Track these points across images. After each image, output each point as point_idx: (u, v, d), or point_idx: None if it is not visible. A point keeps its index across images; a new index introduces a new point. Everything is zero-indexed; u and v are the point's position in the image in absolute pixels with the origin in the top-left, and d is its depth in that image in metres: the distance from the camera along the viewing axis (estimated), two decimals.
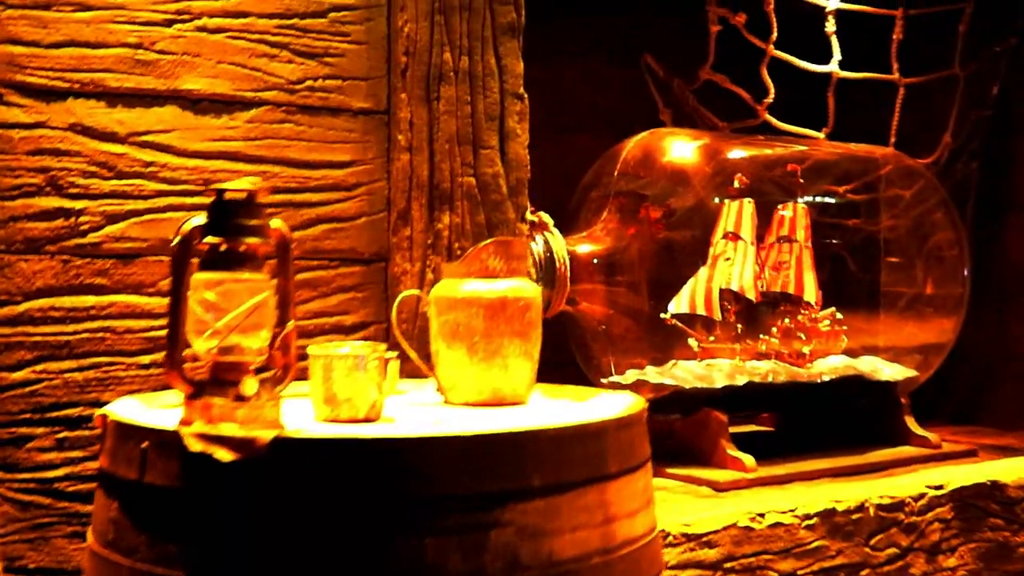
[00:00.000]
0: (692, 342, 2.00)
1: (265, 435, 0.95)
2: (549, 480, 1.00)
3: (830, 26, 2.19)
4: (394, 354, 1.15)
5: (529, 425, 1.03)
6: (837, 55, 2.20)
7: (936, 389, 2.41)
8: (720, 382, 1.87)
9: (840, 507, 1.65)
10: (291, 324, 1.05)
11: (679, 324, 1.99)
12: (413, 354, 1.31)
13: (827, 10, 2.19)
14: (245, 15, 1.39)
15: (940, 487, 1.79)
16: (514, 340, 1.25)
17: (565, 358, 1.99)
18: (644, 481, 1.08)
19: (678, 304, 1.99)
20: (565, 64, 2.39)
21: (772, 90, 2.19)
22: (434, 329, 1.27)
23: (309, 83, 1.42)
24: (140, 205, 1.34)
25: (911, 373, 2.08)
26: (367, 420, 1.14)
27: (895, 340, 2.17)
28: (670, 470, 1.84)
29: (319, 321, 1.41)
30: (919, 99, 2.32)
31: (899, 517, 1.71)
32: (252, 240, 1.04)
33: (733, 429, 2.02)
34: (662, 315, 1.97)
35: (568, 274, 1.80)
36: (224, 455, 0.95)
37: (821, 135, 2.23)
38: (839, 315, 2.14)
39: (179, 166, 1.37)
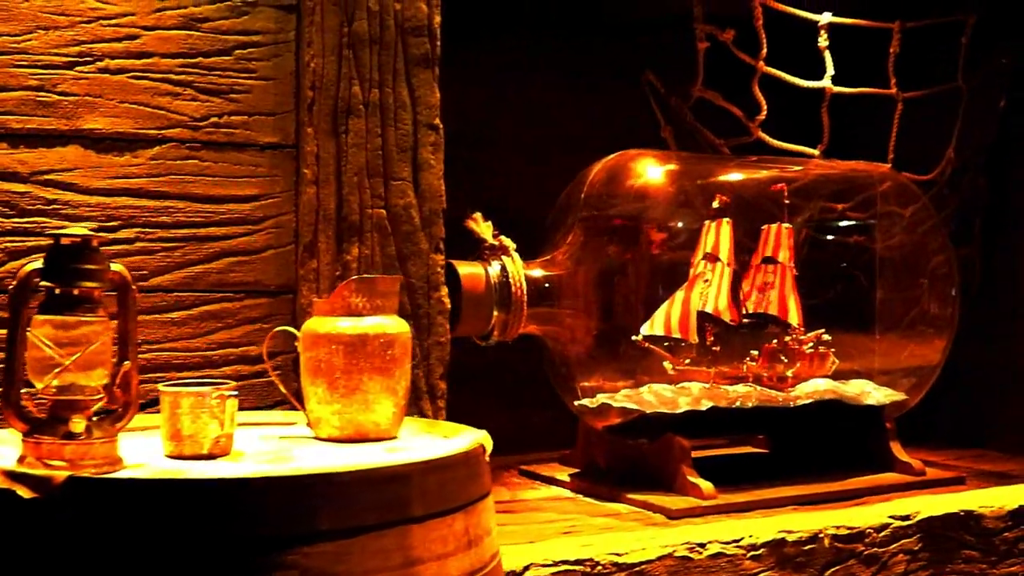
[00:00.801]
0: (667, 365, 1.96)
1: (60, 474, 0.98)
2: (339, 523, 0.99)
3: (823, 41, 2.13)
4: (234, 392, 1.16)
5: (324, 467, 1.04)
6: (830, 70, 2.15)
7: (943, 410, 2.33)
8: (684, 407, 1.83)
9: (791, 537, 1.64)
10: (128, 364, 1.08)
11: (652, 347, 1.95)
12: (283, 389, 1.32)
13: (820, 24, 2.13)
14: (148, 55, 1.42)
15: (907, 517, 1.77)
16: (374, 377, 1.26)
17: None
18: (465, 523, 1.08)
19: (652, 326, 1.96)
20: (570, 83, 2.42)
21: (764, 107, 2.15)
22: (302, 365, 1.29)
23: (214, 120, 1.44)
24: (43, 242, 1.37)
25: (900, 397, 2.03)
26: (211, 456, 1.16)
27: (884, 362, 2.12)
28: (630, 495, 1.85)
29: (224, 352, 1.43)
30: (924, 113, 2.25)
31: (858, 548, 1.67)
32: (88, 284, 1.07)
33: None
34: (634, 338, 1.92)
35: (524, 297, 1.78)
36: (24, 492, 0.97)
37: (816, 152, 2.18)
38: (827, 336, 2.08)
39: (82, 203, 1.40)
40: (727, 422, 1.92)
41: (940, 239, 2.09)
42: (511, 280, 1.81)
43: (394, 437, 1.31)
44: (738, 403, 1.90)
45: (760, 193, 2.11)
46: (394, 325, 1.30)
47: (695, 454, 1.92)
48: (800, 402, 1.95)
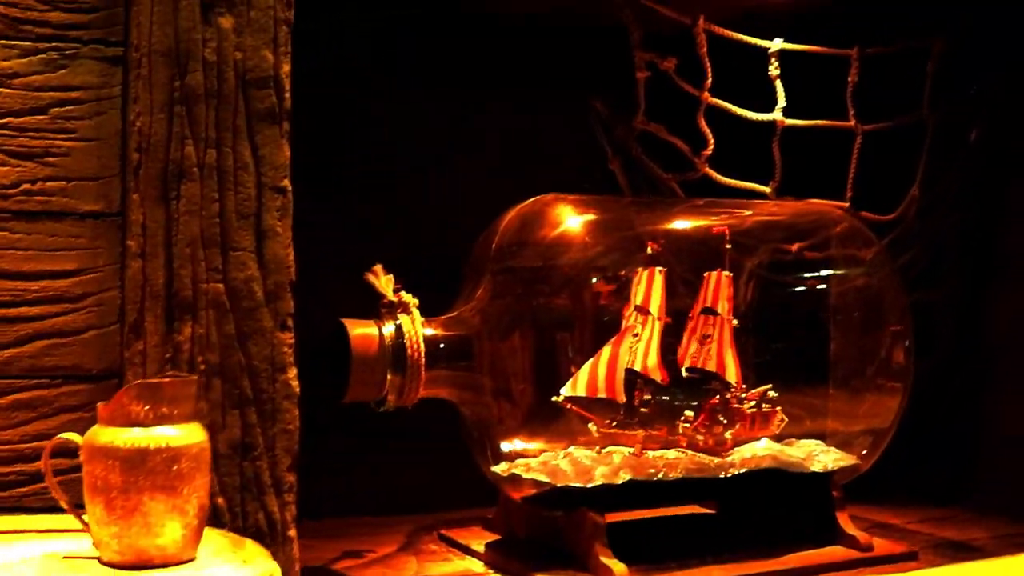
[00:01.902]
0: (591, 427, 1.76)
1: None
2: None
3: (773, 70, 1.91)
4: None
5: None
6: (781, 101, 1.95)
7: (915, 465, 2.12)
8: (599, 479, 1.64)
9: None
10: None
11: (575, 408, 1.75)
12: (64, 505, 1.15)
13: (770, 51, 1.91)
14: None
15: None
16: (157, 496, 1.10)
17: None
18: None
19: (575, 386, 1.77)
20: (515, 110, 2.25)
21: (711, 141, 1.94)
22: (83, 479, 1.11)
23: (26, 186, 1.27)
24: None
25: (850, 461, 1.84)
26: None
27: (837, 421, 1.91)
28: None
29: (38, 444, 1.26)
30: (891, 147, 2.03)
31: None
32: None
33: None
34: (555, 398, 1.73)
35: (422, 359, 1.60)
36: None
37: (767, 190, 1.96)
38: (773, 393, 1.87)
39: None
40: (650, 494, 1.71)
41: (895, 287, 1.87)
42: (407, 340, 1.62)
43: (186, 560, 1.13)
44: (660, 475, 1.69)
45: (701, 238, 1.89)
46: (182, 436, 1.13)
47: (632, 516, 1.84)
48: (733, 471, 1.74)
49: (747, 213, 2.00)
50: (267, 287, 1.37)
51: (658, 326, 1.85)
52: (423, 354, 1.69)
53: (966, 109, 2.03)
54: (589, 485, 1.71)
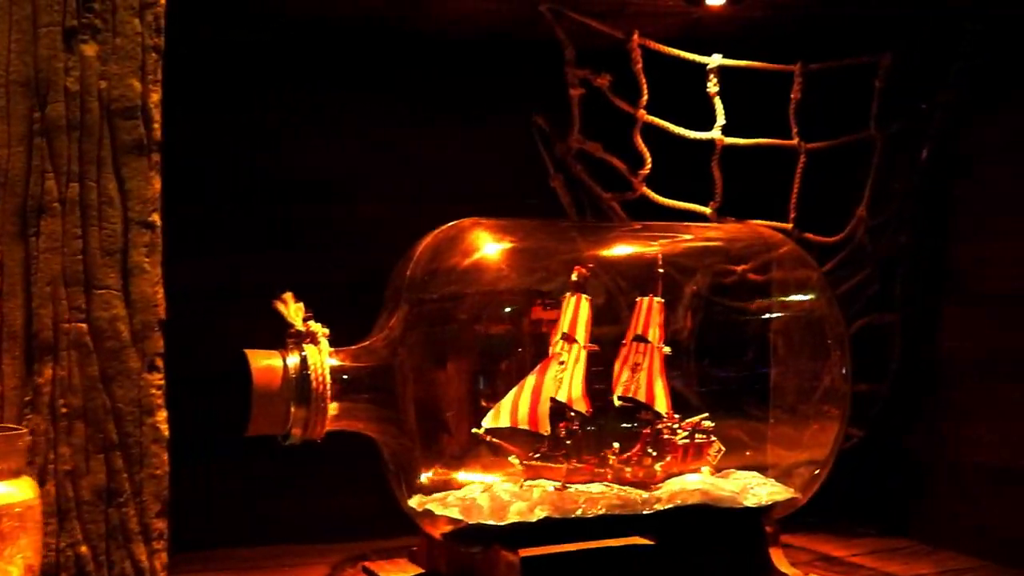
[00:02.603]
0: (513, 460, 1.68)
1: None
2: None
3: (712, 86, 1.82)
4: None
5: None
6: (720, 119, 1.86)
7: (866, 492, 2.03)
8: (513, 516, 1.56)
9: None
10: None
11: (495, 440, 1.67)
12: None
13: (708, 67, 1.82)
14: None
15: None
16: None
17: None
18: None
19: (498, 417, 1.69)
20: (457, 124, 2.18)
21: (648, 160, 1.85)
22: None
23: None
24: None
25: (786, 495, 1.76)
26: None
27: (776, 452, 1.81)
28: None
29: None
30: (839, 166, 1.93)
31: None
32: None
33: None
34: (474, 431, 1.66)
35: (327, 391, 1.53)
36: None
37: (708, 210, 1.87)
38: (708, 423, 1.78)
39: None
40: (569, 531, 1.62)
41: (835, 312, 1.77)
42: (312, 372, 1.54)
43: None
44: (580, 511, 1.60)
45: (634, 262, 1.81)
46: (6, 494, 1.04)
47: (563, 548, 1.75)
48: (660, 506, 1.65)
49: (685, 237, 1.92)
50: (134, 327, 1.29)
51: (583, 355, 1.76)
52: (328, 386, 1.61)
53: (915, 126, 1.92)
54: (503, 523, 1.61)
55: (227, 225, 1.99)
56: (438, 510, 1.68)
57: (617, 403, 1.86)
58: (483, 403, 1.72)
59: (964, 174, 1.97)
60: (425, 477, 1.75)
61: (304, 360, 1.63)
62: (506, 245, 1.76)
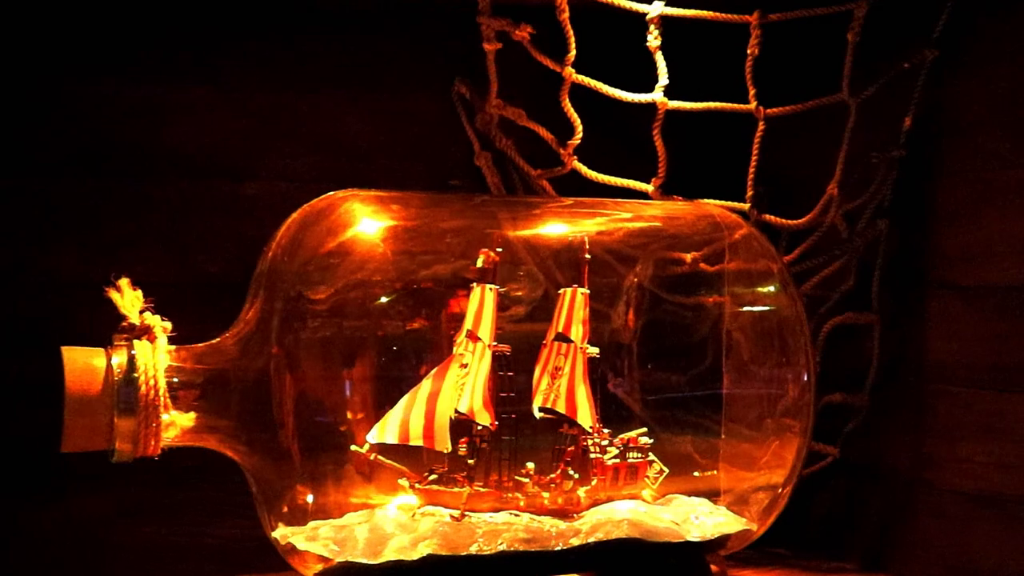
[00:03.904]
0: (403, 483, 1.35)
1: None
2: None
3: (653, 40, 1.45)
4: None
5: None
6: (663, 79, 1.49)
7: (842, 522, 1.67)
8: (391, 553, 1.20)
9: None
10: None
11: (381, 459, 1.31)
12: None
13: (648, 17, 1.46)
14: None
15: None
16: None
17: None
18: None
19: (384, 431, 1.34)
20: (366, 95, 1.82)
21: (579, 128, 1.48)
22: None
23: None
24: None
25: (737, 525, 1.46)
26: None
27: (730, 474, 1.45)
28: None
29: None
30: (806, 136, 1.57)
31: None
32: None
33: None
34: (355, 448, 1.43)
35: (159, 399, 1.20)
36: None
37: (650, 188, 1.50)
38: (645, 440, 1.42)
39: None
40: (460, 571, 1.25)
41: (797, 311, 1.40)
42: (140, 374, 1.18)
43: None
44: (474, 547, 1.23)
45: (558, 247, 1.44)
46: None
47: None
48: (576, 541, 1.28)
49: (622, 215, 1.57)
50: None
51: (489, 356, 1.39)
52: (162, 392, 1.24)
53: (896, 89, 1.55)
54: (376, 561, 1.24)
55: (74, 205, 1.63)
56: (302, 544, 1.32)
57: (537, 415, 1.49)
58: (356, 415, 1.34)
59: (954, 146, 1.60)
60: (294, 504, 1.38)
61: (132, 360, 1.26)
62: (390, 222, 1.40)
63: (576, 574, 1.47)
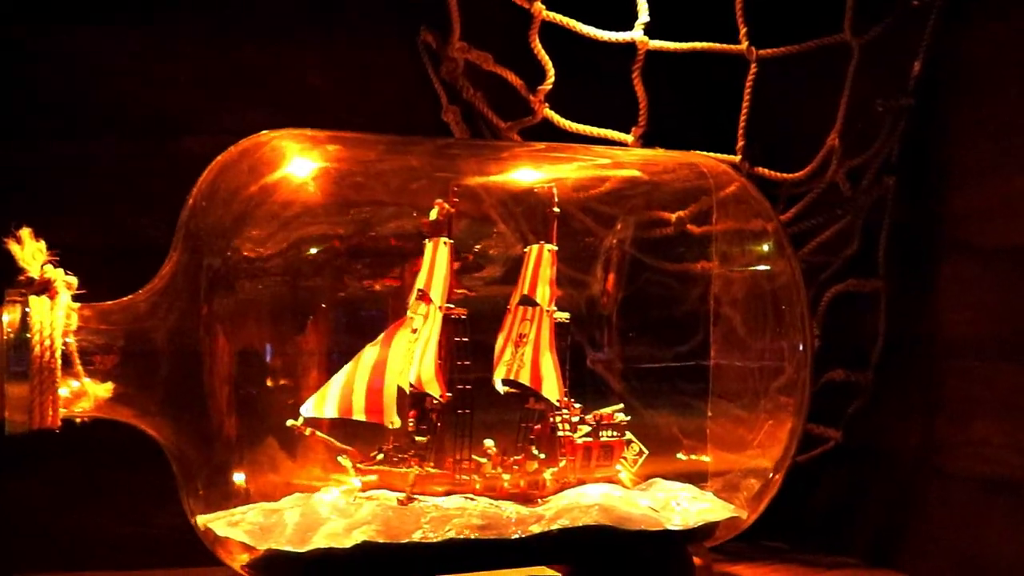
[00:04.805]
0: (343, 461, 1.24)
1: None
2: None
3: None
4: None
5: None
6: (643, 15, 1.27)
7: (850, 514, 1.47)
8: (321, 540, 1.02)
9: None
10: None
11: (319, 435, 1.24)
12: None
13: None
14: None
15: None
16: None
17: None
18: None
19: (322, 404, 1.16)
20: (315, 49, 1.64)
21: (551, 72, 1.28)
22: None
23: None
24: None
25: (723, 512, 1.28)
26: None
27: (717, 455, 1.24)
28: None
29: None
30: (804, 81, 1.38)
31: None
32: None
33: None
34: (290, 422, 1.23)
35: (55, 363, 1.03)
36: None
37: (630, 138, 1.30)
38: (621, 416, 1.22)
39: None
40: (401, 562, 1.05)
41: (793, 275, 1.20)
42: (34, 334, 0.99)
43: None
44: (417, 535, 1.03)
45: (525, 198, 1.25)
46: None
47: None
48: (537, 529, 1.08)
49: (601, 162, 1.37)
50: None
51: (439, 320, 1.19)
52: (57, 356, 1.04)
53: (904, 30, 1.35)
54: (303, 549, 1.04)
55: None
56: (221, 530, 1.12)
57: (501, 389, 1.29)
58: (282, 381, 1.15)
59: (970, 93, 1.39)
60: (222, 486, 1.19)
61: (25, 317, 1.06)
62: (325, 163, 1.19)
63: (537, 566, 1.27)
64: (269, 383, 1.22)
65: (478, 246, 1.37)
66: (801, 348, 1.35)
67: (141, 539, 1.57)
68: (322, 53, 1.66)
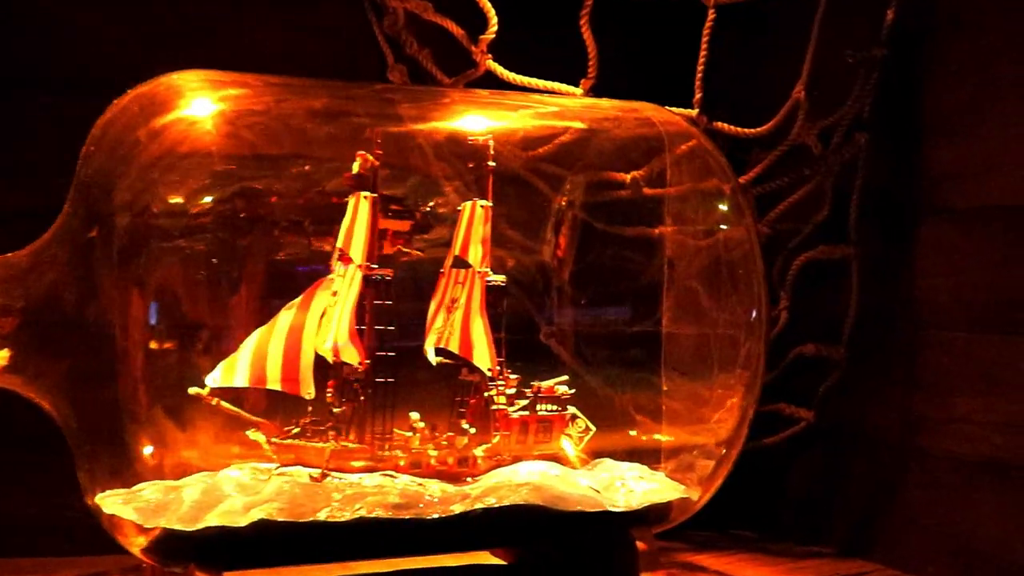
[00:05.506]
0: (254, 436, 1.14)
1: None
2: None
3: None
4: None
5: None
6: None
7: (824, 501, 1.34)
8: (216, 518, 0.90)
9: None
10: None
11: (226, 406, 1.13)
12: None
13: None
14: None
15: None
16: None
17: None
18: None
19: (230, 373, 1.03)
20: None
21: (493, 20, 1.16)
22: None
23: None
24: None
25: (673, 492, 1.13)
26: None
27: (671, 431, 1.11)
28: None
29: None
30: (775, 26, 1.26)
31: None
32: None
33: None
34: (193, 390, 1.12)
35: None
36: None
37: (579, 91, 1.17)
38: (563, 389, 1.09)
39: None
40: (308, 543, 0.92)
41: (747, 236, 1.07)
42: None
43: None
44: (323, 513, 0.90)
45: (463, 150, 1.13)
46: None
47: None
48: (458, 509, 0.95)
49: (548, 110, 1.23)
50: None
51: (359, 281, 1.07)
52: None
53: None
54: (195, 528, 0.92)
55: None
56: (110, 507, 0.99)
57: (433, 360, 1.17)
58: (178, 347, 1.03)
59: (947, 40, 1.25)
60: (126, 463, 1.07)
61: None
62: (228, 106, 1.06)
63: (457, 552, 1.14)
64: (167, 348, 1.10)
65: (406, 202, 1.25)
66: (754, 315, 1.21)
67: (56, 524, 1.45)
68: (267, 9, 1.54)
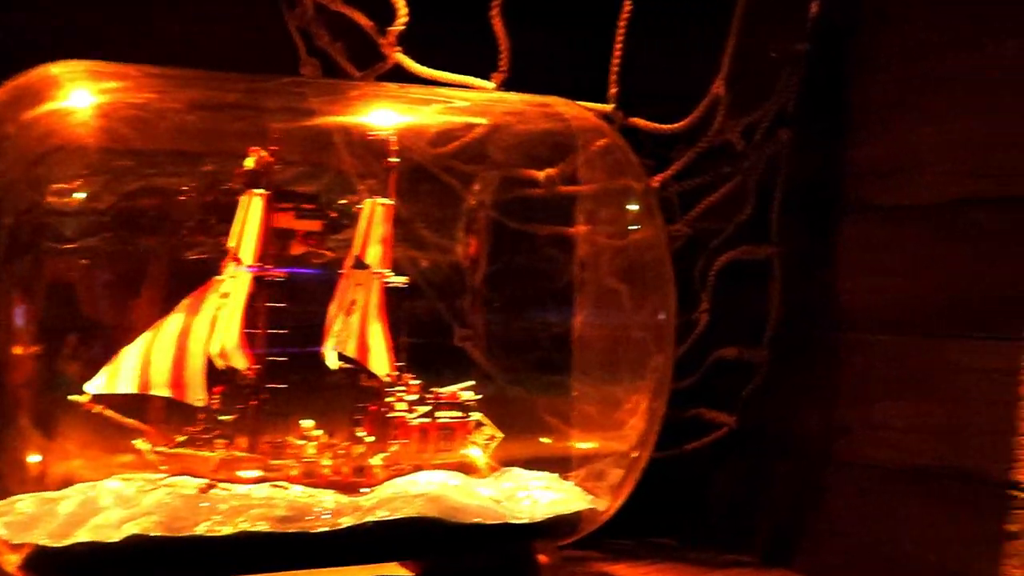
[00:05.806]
0: (141, 446, 1.09)
1: None
2: None
3: None
4: None
5: None
6: None
7: (746, 510, 1.29)
8: (87, 532, 0.88)
9: None
10: None
11: (108, 413, 1.08)
12: None
13: None
14: None
15: None
16: None
17: None
18: None
19: (114, 379, 1.01)
20: None
21: (403, 10, 1.09)
22: None
23: None
24: None
25: (579, 503, 1.09)
26: None
27: (581, 437, 1.06)
28: None
29: None
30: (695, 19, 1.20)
31: None
32: None
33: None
34: (72, 397, 1.06)
35: None
36: None
37: (491, 84, 1.11)
38: (468, 395, 1.03)
39: None
40: (185, 558, 0.86)
41: (656, 237, 1.01)
42: None
43: None
44: (203, 527, 0.84)
45: (362, 147, 1.07)
46: None
47: None
48: (348, 522, 0.90)
49: (457, 105, 1.17)
50: None
51: (249, 283, 1.01)
52: None
53: None
54: (64, 543, 0.86)
55: None
56: None
57: (333, 365, 1.11)
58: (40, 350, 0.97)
59: (873, 35, 1.20)
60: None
61: None
62: (106, 98, 1.00)
63: (349, 565, 1.08)
64: (31, 352, 1.04)
65: (309, 202, 1.19)
66: (663, 318, 1.16)
67: None
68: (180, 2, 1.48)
